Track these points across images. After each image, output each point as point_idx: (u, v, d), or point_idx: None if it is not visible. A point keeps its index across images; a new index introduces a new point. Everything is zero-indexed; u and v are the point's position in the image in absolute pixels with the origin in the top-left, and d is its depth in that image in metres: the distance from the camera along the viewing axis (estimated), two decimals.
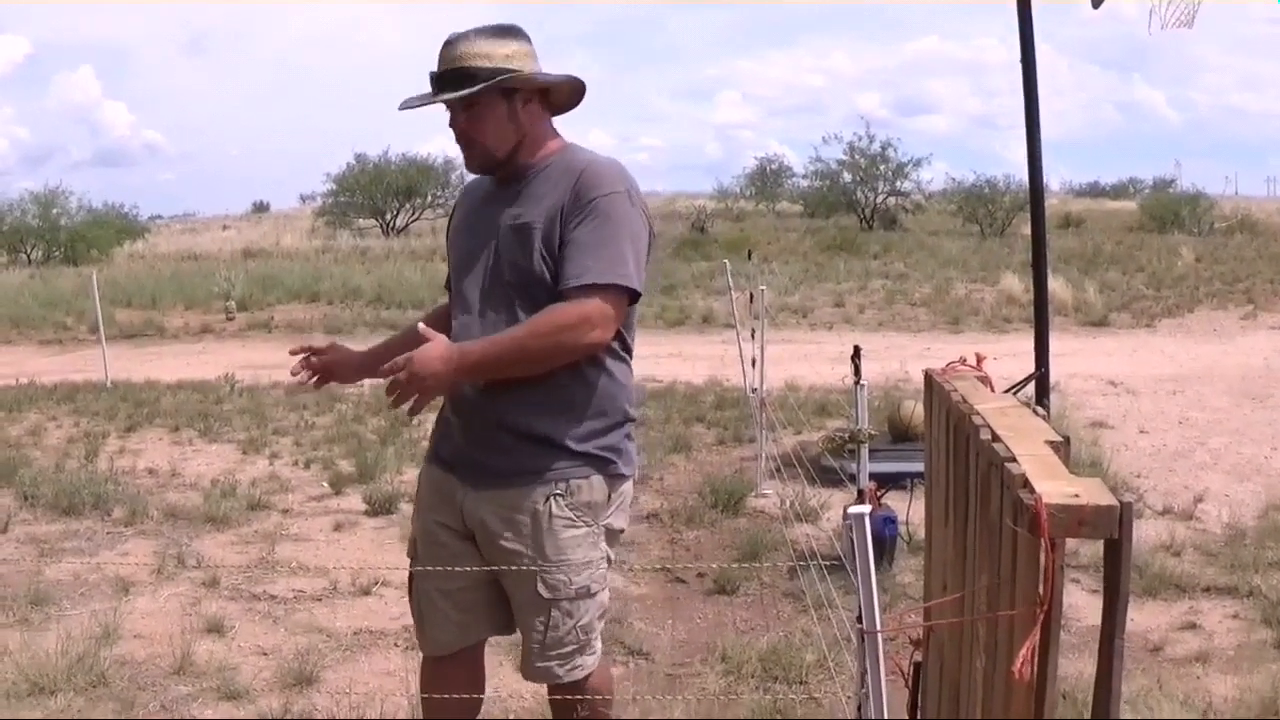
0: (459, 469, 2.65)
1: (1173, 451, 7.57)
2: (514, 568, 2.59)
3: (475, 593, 2.70)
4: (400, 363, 2.41)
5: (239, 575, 5.14)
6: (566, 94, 2.71)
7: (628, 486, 2.72)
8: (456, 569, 2.66)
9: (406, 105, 2.61)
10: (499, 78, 2.53)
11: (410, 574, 2.79)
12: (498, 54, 2.54)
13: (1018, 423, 1.96)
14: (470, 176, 2.86)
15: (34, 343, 15.72)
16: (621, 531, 2.75)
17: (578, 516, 2.58)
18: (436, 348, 2.44)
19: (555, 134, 2.70)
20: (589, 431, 2.59)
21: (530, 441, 2.56)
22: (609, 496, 2.64)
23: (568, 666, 2.65)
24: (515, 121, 2.59)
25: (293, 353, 2.84)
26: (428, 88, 2.58)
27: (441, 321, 2.79)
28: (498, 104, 2.56)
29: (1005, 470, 1.67)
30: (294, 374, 2.82)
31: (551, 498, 2.56)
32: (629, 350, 2.69)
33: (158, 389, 10.78)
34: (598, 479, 2.61)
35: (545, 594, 2.59)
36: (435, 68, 2.57)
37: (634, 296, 2.52)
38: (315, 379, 2.84)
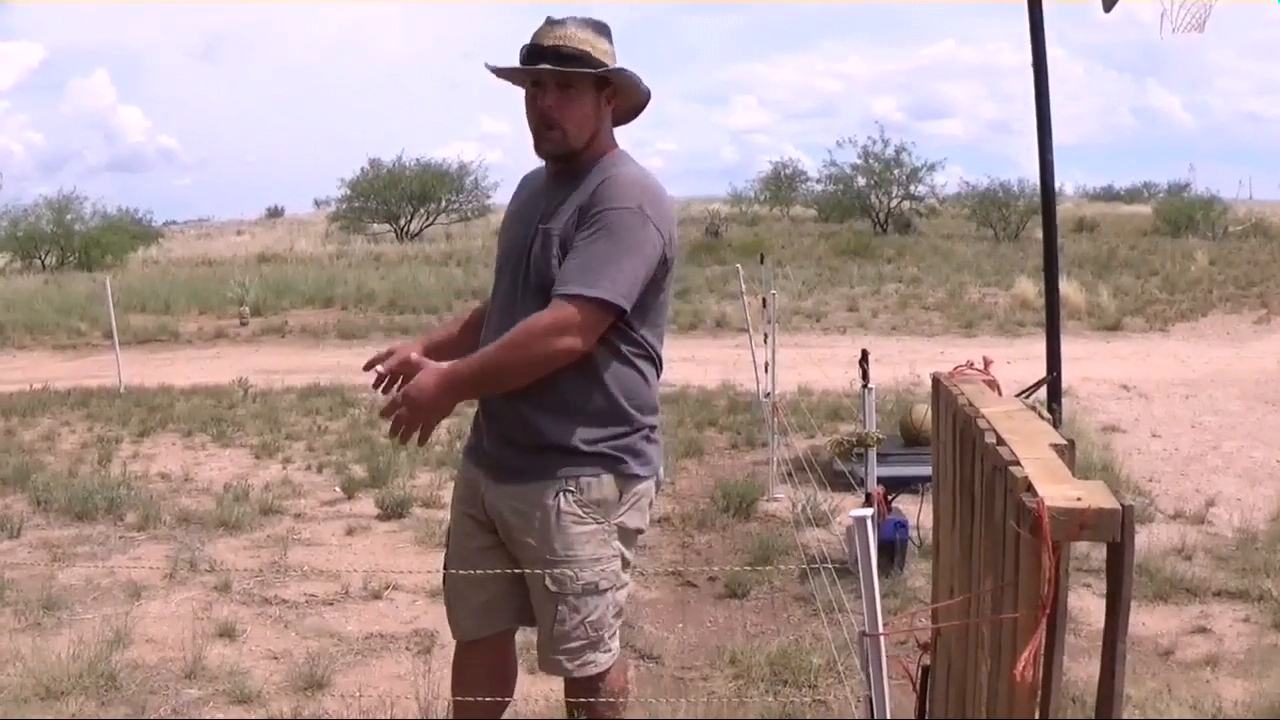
0: (485, 464, 2.73)
1: (1185, 455, 7.54)
2: (527, 561, 2.66)
3: (497, 583, 2.75)
4: (398, 399, 2.48)
5: (251, 579, 5.16)
6: (628, 109, 2.75)
7: (644, 486, 2.73)
8: (479, 558, 2.75)
9: (500, 68, 2.64)
10: (609, 68, 2.60)
11: (445, 562, 2.88)
12: (600, 47, 2.61)
13: (1022, 426, 1.96)
14: (508, 169, 2.88)
15: (48, 348, 15.75)
16: (639, 531, 2.77)
17: (586, 513, 2.63)
18: (428, 375, 2.50)
19: (614, 141, 2.74)
20: (602, 432, 2.63)
21: (545, 441, 2.61)
22: (621, 495, 2.67)
23: (577, 662, 2.69)
24: (597, 115, 2.64)
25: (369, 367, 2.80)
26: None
27: (473, 328, 2.86)
28: (589, 93, 2.61)
29: (1009, 473, 1.68)
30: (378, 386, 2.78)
31: (561, 494, 2.61)
32: (651, 354, 2.70)
33: (171, 394, 10.81)
34: (608, 478, 2.64)
35: (552, 588, 2.64)
36: (530, 41, 2.60)
37: (619, 311, 2.52)
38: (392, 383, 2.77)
